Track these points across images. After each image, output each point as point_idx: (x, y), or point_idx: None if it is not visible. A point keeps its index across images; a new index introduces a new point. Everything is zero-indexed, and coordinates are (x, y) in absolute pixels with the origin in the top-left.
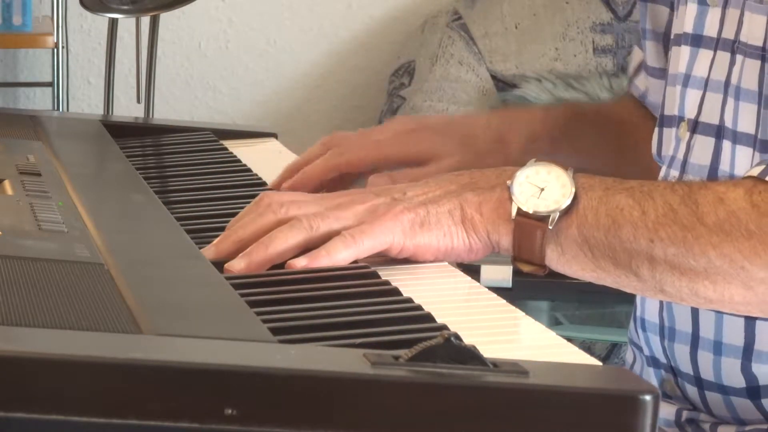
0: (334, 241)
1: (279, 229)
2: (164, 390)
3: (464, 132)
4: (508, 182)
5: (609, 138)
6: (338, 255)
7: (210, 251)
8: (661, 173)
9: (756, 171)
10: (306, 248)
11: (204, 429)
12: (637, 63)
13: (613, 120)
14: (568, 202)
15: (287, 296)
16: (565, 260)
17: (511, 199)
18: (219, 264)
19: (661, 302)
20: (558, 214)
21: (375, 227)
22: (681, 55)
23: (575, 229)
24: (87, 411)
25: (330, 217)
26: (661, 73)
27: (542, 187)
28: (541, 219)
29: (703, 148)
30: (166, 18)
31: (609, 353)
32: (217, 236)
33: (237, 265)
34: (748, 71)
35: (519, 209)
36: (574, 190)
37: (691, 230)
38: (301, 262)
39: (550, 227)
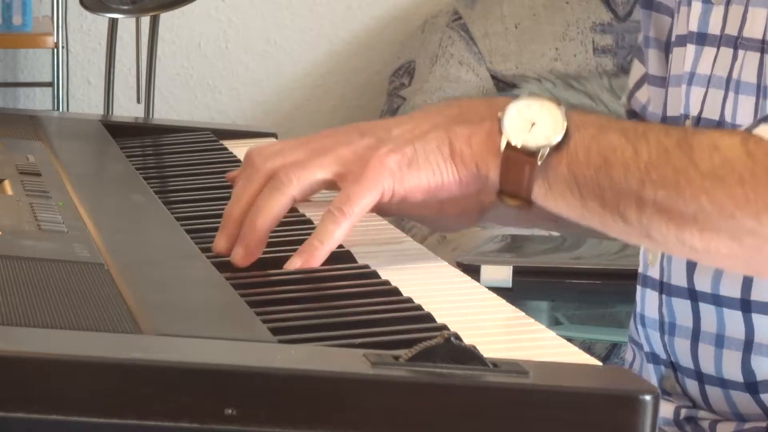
0: (323, 223)
1: (261, 197)
2: (164, 390)
3: None
4: (499, 114)
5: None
6: (331, 238)
7: (221, 242)
8: None
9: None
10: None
11: (204, 429)
12: (638, 77)
13: None
14: (559, 138)
15: (287, 296)
16: (551, 197)
17: (500, 132)
18: (219, 264)
19: (660, 298)
20: (548, 149)
21: (361, 186)
22: (686, 54)
23: (564, 167)
24: (87, 411)
25: (313, 165)
26: (662, 82)
27: (533, 122)
28: (531, 154)
29: None
30: (166, 18)
31: (609, 353)
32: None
33: (236, 255)
34: (748, 64)
35: (508, 143)
36: (566, 125)
37: (684, 174)
38: (296, 263)
39: (539, 162)
